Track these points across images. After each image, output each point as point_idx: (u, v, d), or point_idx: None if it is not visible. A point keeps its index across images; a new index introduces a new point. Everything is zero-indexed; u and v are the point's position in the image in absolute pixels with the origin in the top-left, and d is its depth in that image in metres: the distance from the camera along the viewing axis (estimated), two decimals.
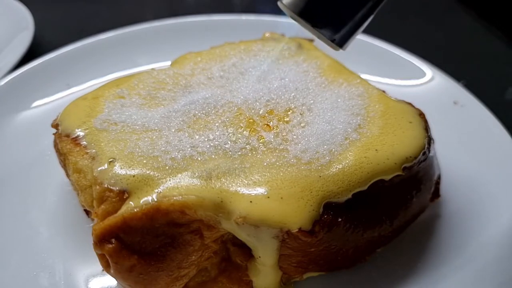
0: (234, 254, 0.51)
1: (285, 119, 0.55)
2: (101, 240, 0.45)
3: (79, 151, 0.52)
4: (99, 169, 0.49)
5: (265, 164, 0.49)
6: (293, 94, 0.59)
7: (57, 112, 0.59)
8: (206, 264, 0.51)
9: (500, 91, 0.91)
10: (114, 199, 0.47)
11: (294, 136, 0.53)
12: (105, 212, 0.47)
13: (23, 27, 0.97)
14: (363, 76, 0.64)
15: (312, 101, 0.58)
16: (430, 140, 0.54)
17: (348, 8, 0.40)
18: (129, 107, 0.57)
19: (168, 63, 0.68)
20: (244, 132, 0.53)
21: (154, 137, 0.52)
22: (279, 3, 0.42)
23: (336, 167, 0.49)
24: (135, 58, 0.88)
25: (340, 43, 0.42)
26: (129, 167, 0.48)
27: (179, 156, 0.49)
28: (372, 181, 0.49)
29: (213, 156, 0.50)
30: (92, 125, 0.54)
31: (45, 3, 1.22)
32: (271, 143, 0.52)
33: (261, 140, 0.52)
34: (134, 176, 0.47)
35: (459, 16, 1.19)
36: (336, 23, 0.41)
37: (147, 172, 0.48)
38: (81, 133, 0.53)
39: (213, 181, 0.47)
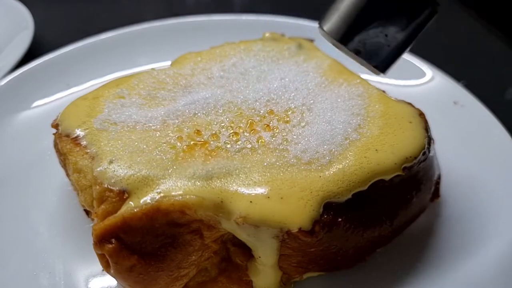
0: (234, 254, 0.51)
1: (285, 119, 0.55)
2: (101, 240, 0.45)
3: (79, 151, 0.52)
4: (99, 169, 0.49)
5: (265, 164, 0.49)
6: (293, 94, 0.59)
7: (57, 112, 0.59)
8: (206, 264, 0.51)
9: (500, 91, 0.90)
10: (114, 199, 0.47)
11: (294, 136, 0.53)
12: (105, 212, 0.47)
13: (23, 27, 0.97)
14: (363, 76, 0.64)
15: (312, 101, 0.58)
16: (430, 140, 0.54)
17: None
18: (129, 107, 0.57)
19: (168, 63, 0.68)
20: (244, 132, 0.53)
21: (154, 137, 0.52)
22: (319, 30, 0.41)
23: (336, 167, 0.49)
24: (135, 58, 0.88)
25: (383, 69, 0.42)
26: (129, 167, 0.48)
27: (179, 156, 0.49)
28: (372, 181, 0.49)
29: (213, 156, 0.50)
30: (92, 125, 0.54)
31: (45, 3, 1.22)
32: (271, 143, 0.52)
33: (261, 140, 0.52)
34: (134, 176, 0.47)
35: (459, 16, 1.19)
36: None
37: (147, 172, 0.48)
38: (81, 133, 0.53)
39: (213, 181, 0.47)
